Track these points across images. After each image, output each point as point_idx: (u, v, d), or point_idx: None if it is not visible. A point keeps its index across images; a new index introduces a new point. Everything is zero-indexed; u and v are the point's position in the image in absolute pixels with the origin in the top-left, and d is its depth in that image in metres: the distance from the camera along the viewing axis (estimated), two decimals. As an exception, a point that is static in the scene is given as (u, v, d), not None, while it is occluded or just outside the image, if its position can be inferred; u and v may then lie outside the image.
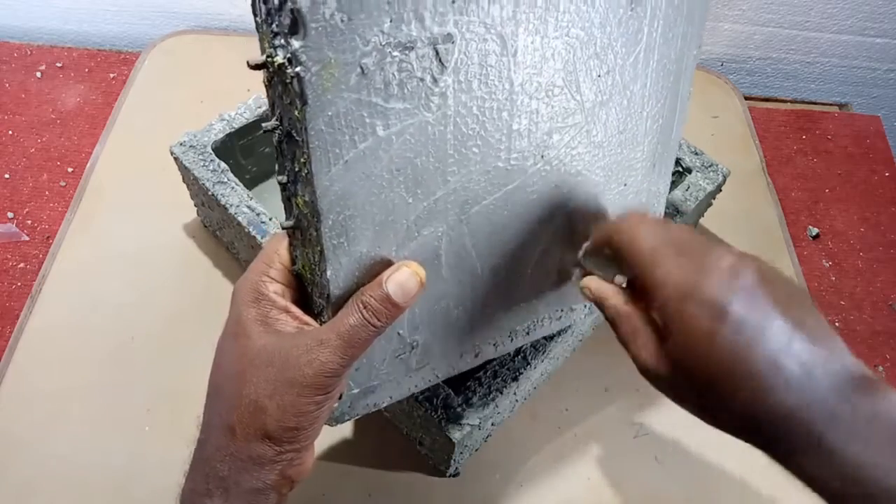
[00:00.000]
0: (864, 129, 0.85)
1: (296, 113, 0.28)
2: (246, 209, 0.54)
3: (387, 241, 0.33)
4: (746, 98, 0.85)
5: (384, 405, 0.41)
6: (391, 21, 0.28)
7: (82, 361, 0.57)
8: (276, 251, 0.35)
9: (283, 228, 0.34)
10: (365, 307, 0.32)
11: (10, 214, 0.67)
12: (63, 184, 0.69)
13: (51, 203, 0.68)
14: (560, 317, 0.48)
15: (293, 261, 0.35)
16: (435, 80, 0.30)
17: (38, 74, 0.78)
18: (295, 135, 0.29)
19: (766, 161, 0.78)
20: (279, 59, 0.27)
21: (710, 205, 0.67)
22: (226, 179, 0.56)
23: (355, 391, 0.39)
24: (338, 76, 0.27)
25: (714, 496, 0.55)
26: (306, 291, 0.35)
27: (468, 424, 0.47)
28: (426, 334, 0.39)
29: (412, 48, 0.29)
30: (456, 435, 0.46)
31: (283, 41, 0.26)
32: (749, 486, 0.55)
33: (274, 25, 0.26)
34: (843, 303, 0.69)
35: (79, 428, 0.54)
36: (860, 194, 0.79)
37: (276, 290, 0.34)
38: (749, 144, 0.80)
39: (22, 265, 0.63)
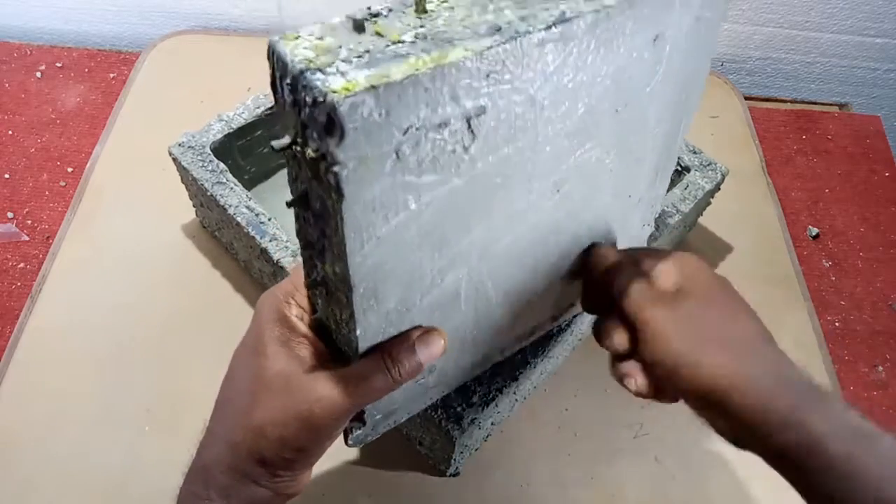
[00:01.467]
0: (864, 129, 0.85)
1: (329, 203, 0.27)
2: (245, 210, 0.54)
3: (412, 294, 0.33)
4: (746, 98, 0.85)
5: (402, 420, 0.42)
6: (426, 105, 0.26)
7: (82, 361, 0.57)
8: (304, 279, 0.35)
9: (307, 286, 0.34)
10: (391, 362, 0.33)
11: (10, 214, 0.67)
12: (63, 184, 0.69)
13: (51, 203, 0.68)
14: (563, 314, 0.48)
15: (314, 309, 0.35)
16: (465, 149, 0.29)
17: (38, 74, 0.78)
18: (325, 216, 0.28)
19: (766, 161, 0.78)
20: (311, 152, 0.25)
21: (709, 204, 0.67)
22: (224, 180, 0.56)
23: (378, 417, 0.39)
24: (374, 167, 0.26)
25: (714, 496, 0.55)
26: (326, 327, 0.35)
27: (468, 424, 0.47)
28: (444, 360, 0.39)
29: (446, 126, 0.28)
30: (456, 434, 0.46)
31: (315, 136, 0.25)
32: (749, 487, 0.55)
33: (303, 116, 0.25)
34: (843, 303, 0.69)
35: (79, 428, 0.54)
36: (860, 194, 0.79)
37: (297, 315, 0.35)
38: (749, 144, 0.80)
39: (22, 265, 0.63)
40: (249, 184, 0.66)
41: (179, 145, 0.58)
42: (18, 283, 0.62)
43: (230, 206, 0.55)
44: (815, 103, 0.90)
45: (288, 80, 0.25)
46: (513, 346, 0.46)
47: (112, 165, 0.69)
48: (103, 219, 0.65)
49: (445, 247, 0.33)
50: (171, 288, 0.62)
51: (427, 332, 0.35)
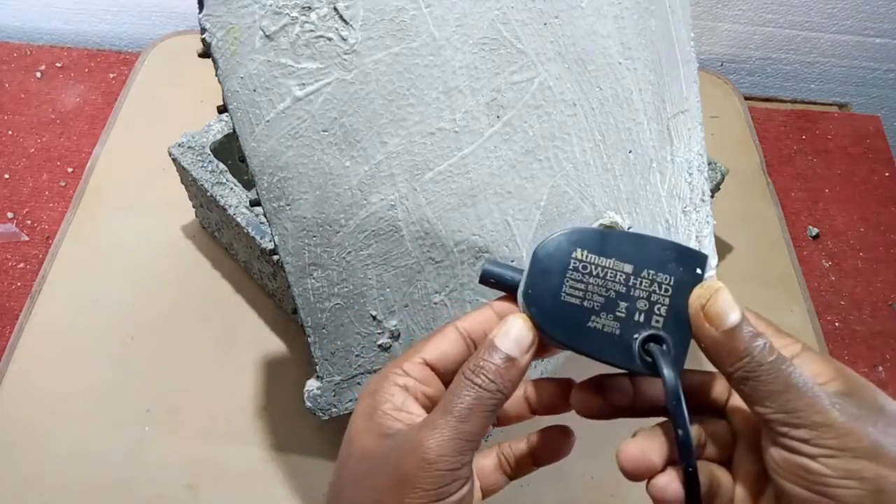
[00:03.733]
0: (864, 129, 0.85)
1: (219, 80, 0.31)
2: (245, 210, 0.54)
3: (331, 206, 0.34)
4: (746, 98, 0.85)
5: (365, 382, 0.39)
6: None
7: (82, 361, 0.57)
8: (426, 343, 0.29)
9: (250, 205, 0.37)
10: (475, 372, 0.27)
11: (10, 214, 0.67)
12: (63, 184, 0.69)
13: (51, 203, 0.68)
14: None
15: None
16: (343, 38, 0.32)
17: (38, 74, 0.78)
18: (223, 102, 0.32)
19: (766, 161, 0.78)
20: (202, 36, 0.30)
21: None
22: (224, 180, 0.56)
23: (337, 378, 0.38)
24: (242, 39, 0.30)
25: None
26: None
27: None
28: (407, 321, 0.37)
29: (310, 8, 0.31)
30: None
31: (199, 19, 0.30)
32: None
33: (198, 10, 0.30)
34: (843, 303, 0.69)
35: (79, 428, 0.54)
36: (860, 194, 0.79)
37: (403, 384, 0.28)
38: (749, 144, 0.80)
39: (22, 265, 0.63)
40: (249, 184, 0.65)
41: (179, 145, 0.58)
42: (18, 283, 0.62)
43: (230, 206, 0.55)
44: (814, 103, 0.90)
45: None
46: None
47: (112, 165, 0.69)
48: (103, 219, 0.65)
49: (356, 153, 0.33)
50: (171, 288, 0.62)
51: (504, 321, 0.28)
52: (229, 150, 0.61)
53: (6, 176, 0.70)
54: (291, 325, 0.60)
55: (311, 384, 0.38)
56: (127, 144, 0.71)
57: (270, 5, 0.30)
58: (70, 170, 0.70)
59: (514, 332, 0.28)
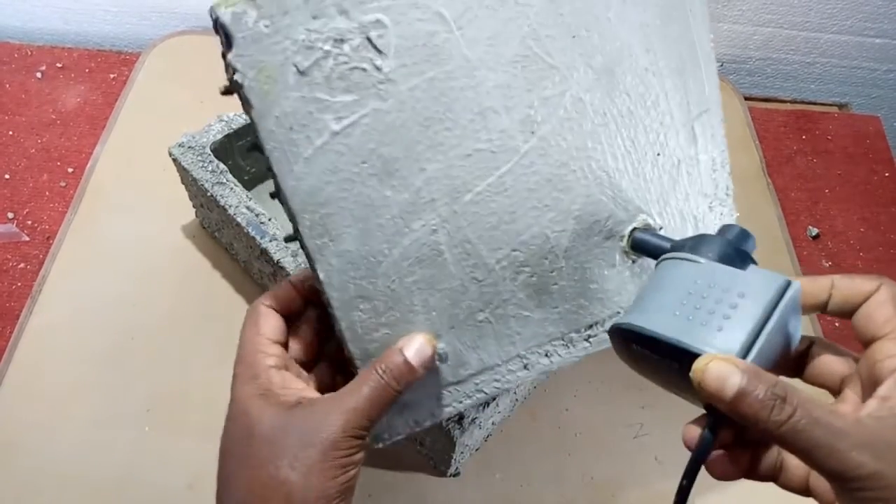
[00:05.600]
0: (863, 130, 0.85)
1: (251, 122, 0.30)
2: (245, 210, 0.55)
3: (374, 238, 0.34)
4: (746, 98, 0.85)
5: (428, 424, 0.40)
6: (314, 18, 0.29)
7: (82, 361, 0.57)
8: (262, 324, 0.35)
9: (284, 239, 0.36)
10: (383, 370, 0.33)
11: (10, 214, 0.67)
12: (63, 184, 0.69)
13: (51, 203, 0.68)
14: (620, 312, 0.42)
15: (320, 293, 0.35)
16: (377, 68, 0.31)
17: (39, 75, 0.78)
18: (259, 145, 0.31)
19: (766, 161, 0.78)
20: (228, 75, 0.29)
21: (710, 205, 0.67)
22: (225, 180, 0.56)
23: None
24: (275, 77, 0.29)
25: (714, 496, 0.55)
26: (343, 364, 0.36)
27: (468, 423, 0.47)
28: (454, 342, 0.38)
29: (343, 40, 0.30)
30: (456, 434, 0.46)
31: (227, 59, 0.29)
32: (749, 486, 0.55)
33: (223, 47, 0.29)
34: (843, 303, 0.69)
35: (79, 428, 0.54)
36: (860, 194, 0.79)
37: (273, 363, 0.34)
38: (749, 144, 0.80)
39: (22, 265, 0.63)
40: (249, 184, 0.66)
41: (179, 146, 0.58)
42: (18, 283, 0.62)
43: (230, 206, 0.55)
44: (814, 103, 0.90)
45: (212, 23, 0.29)
46: (561, 352, 0.41)
47: (112, 166, 0.69)
48: (103, 219, 0.65)
49: (396, 182, 0.33)
50: (171, 288, 0.62)
51: (409, 337, 0.35)
52: (229, 150, 0.61)
53: (6, 176, 0.70)
54: (291, 325, 0.60)
55: None
56: (127, 144, 0.71)
57: (302, 40, 0.29)
58: (70, 170, 0.70)
59: (415, 344, 0.34)
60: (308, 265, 0.35)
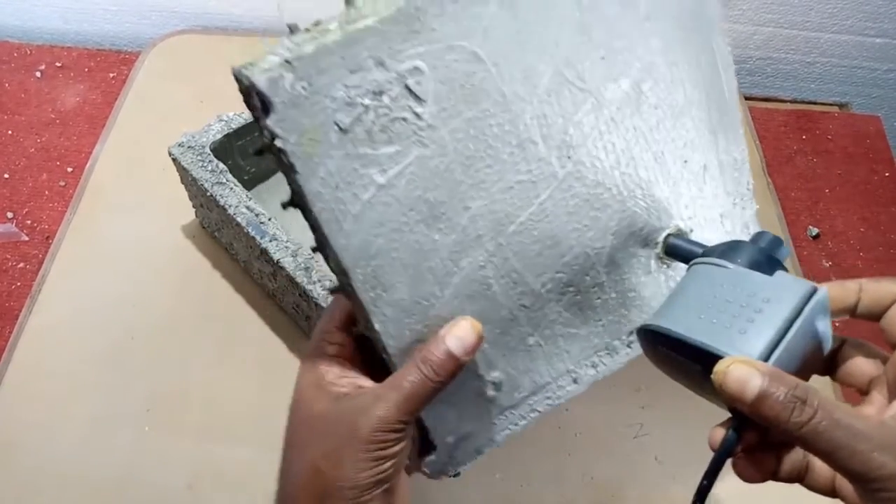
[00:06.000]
0: (864, 129, 0.85)
1: (294, 186, 0.29)
2: (245, 210, 0.54)
3: (426, 282, 0.33)
4: (746, 98, 0.85)
5: (487, 450, 0.40)
6: (352, 73, 0.29)
7: (82, 361, 0.57)
8: (335, 310, 0.36)
9: (329, 291, 0.36)
10: (424, 362, 0.32)
11: (9, 214, 0.67)
12: (63, 184, 0.69)
13: (50, 203, 0.68)
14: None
15: (356, 322, 0.35)
16: (418, 116, 0.30)
17: (38, 74, 0.78)
18: (303, 204, 0.30)
19: (766, 161, 0.79)
20: (265, 139, 0.28)
21: (710, 205, 0.67)
22: (224, 180, 0.56)
23: (449, 440, 0.38)
24: (318, 138, 0.29)
25: (714, 496, 0.55)
26: (370, 349, 0.35)
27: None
28: (507, 369, 0.38)
29: (382, 92, 0.29)
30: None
31: (263, 122, 0.28)
32: (749, 486, 0.55)
33: (255, 112, 0.28)
34: (842, 303, 0.69)
35: (79, 428, 0.54)
36: (860, 194, 0.79)
37: (334, 352, 0.35)
38: (749, 144, 0.80)
39: (22, 265, 0.63)
40: (249, 184, 0.66)
41: (179, 145, 0.58)
42: (18, 283, 0.62)
43: (230, 206, 0.55)
44: (815, 103, 0.90)
45: (239, 88, 0.28)
46: (606, 361, 0.42)
47: (112, 165, 0.69)
48: (103, 219, 0.65)
49: (442, 224, 0.33)
50: (171, 288, 0.62)
51: (455, 321, 0.34)
52: (229, 150, 0.61)
53: (6, 176, 0.70)
54: (291, 325, 0.60)
55: (430, 455, 0.38)
56: (127, 144, 0.71)
57: (342, 97, 0.29)
58: (70, 170, 0.70)
59: (460, 331, 0.33)
60: (359, 315, 0.34)
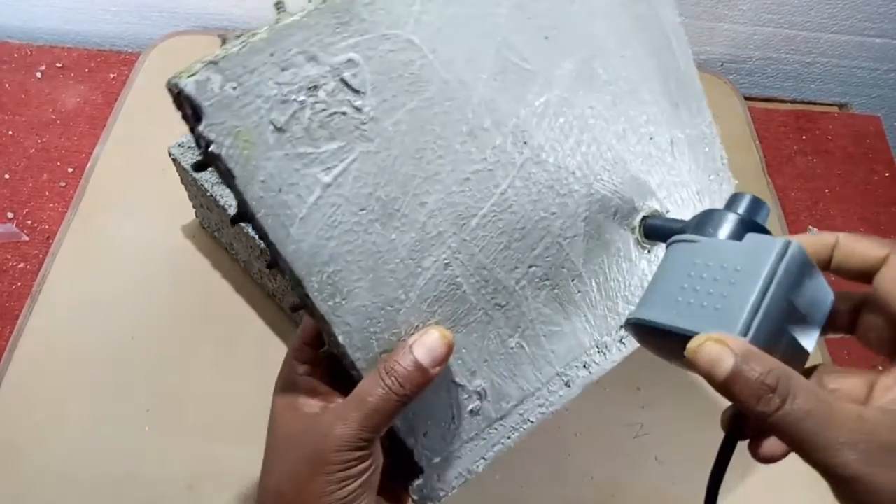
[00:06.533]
0: (864, 129, 0.85)
1: (235, 191, 0.28)
2: (245, 209, 0.54)
3: (388, 286, 0.32)
4: (746, 98, 0.85)
5: (480, 469, 0.38)
6: (283, 70, 0.28)
7: (82, 361, 0.57)
8: (304, 327, 0.35)
9: (290, 309, 0.34)
10: (388, 374, 0.30)
11: (10, 214, 0.67)
12: (63, 184, 0.69)
13: (51, 203, 0.68)
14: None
15: (323, 343, 0.34)
16: (357, 109, 0.30)
17: (39, 75, 0.78)
18: (248, 212, 0.29)
19: (766, 161, 0.78)
20: (202, 148, 0.27)
21: (710, 205, 0.67)
22: (225, 179, 0.56)
23: (436, 460, 0.36)
24: (253, 140, 0.27)
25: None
26: (341, 367, 0.34)
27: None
28: (490, 376, 0.36)
29: (317, 87, 0.28)
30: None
31: (196, 130, 0.27)
32: (749, 486, 0.55)
33: (188, 121, 0.27)
34: (843, 303, 0.69)
35: (79, 428, 0.54)
36: (860, 194, 0.79)
37: (304, 371, 0.34)
38: (749, 144, 0.80)
39: (22, 265, 0.63)
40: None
41: (179, 145, 0.58)
42: (18, 283, 0.62)
43: (230, 206, 0.55)
44: (815, 103, 0.90)
45: (174, 102, 0.27)
46: (599, 360, 0.40)
47: (112, 165, 0.69)
48: (103, 219, 0.65)
49: (397, 221, 0.31)
50: (171, 288, 0.62)
51: (424, 331, 0.32)
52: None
53: (6, 176, 0.70)
54: (291, 325, 0.60)
55: (417, 479, 0.36)
56: (127, 144, 0.71)
57: (275, 95, 0.28)
58: (70, 170, 0.70)
59: (429, 341, 0.31)
60: (323, 331, 0.32)
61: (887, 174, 0.81)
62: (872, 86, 0.96)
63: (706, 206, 0.42)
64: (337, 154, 0.30)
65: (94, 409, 0.55)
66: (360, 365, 0.32)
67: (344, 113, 0.29)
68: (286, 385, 0.33)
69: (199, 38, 0.82)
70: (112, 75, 0.79)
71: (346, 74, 0.29)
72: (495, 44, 0.33)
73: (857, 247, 0.30)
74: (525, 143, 0.34)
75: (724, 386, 0.25)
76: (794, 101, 0.90)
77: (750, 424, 0.30)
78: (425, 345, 0.31)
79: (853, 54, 0.92)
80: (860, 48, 0.91)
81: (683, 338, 0.28)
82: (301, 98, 0.28)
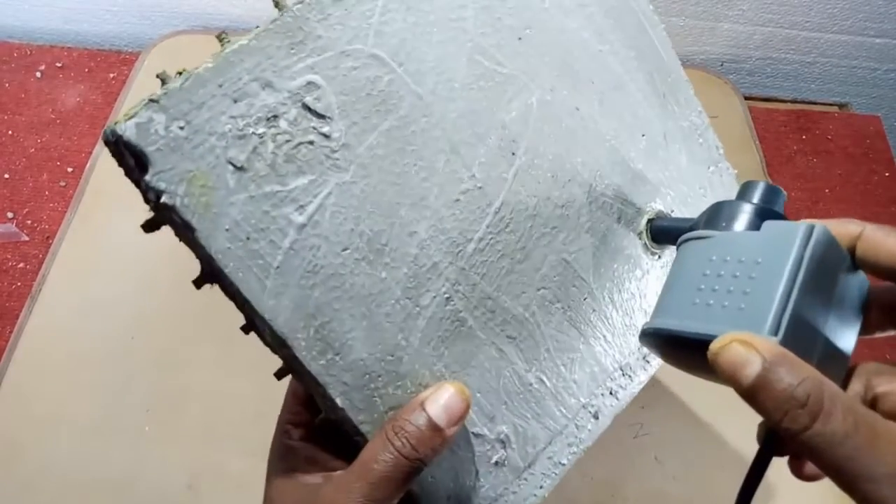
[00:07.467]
0: (864, 129, 0.85)
1: (196, 247, 0.25)
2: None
3: (386, 332, 0.28)
4: (746, 98, 0.85)
5: None
6: (235, 102, 0.24)
7: (82, 361, 0.57)
8: (296, 388, 0.32)
9: (275, 376, 0.30)
10: (397, 434, 0.26)
11: (10, 214, 0.67)
12: (63, 184, 0.69)
13: (51, 203, 0.68)
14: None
15: (318, 411, 0.30)
16: (325, 136, 0.26)
17: (38, 74, 0.78)
18: (213, 270, 0.25)
19: (766, 161, 0.78)
20: (151, 202, 0.24)
21: (710, 205, 0.67)
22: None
23: None
24: (211, 184, 0.24)
25: (714, 496, 0.55)
26: (341, 430, 0.30)
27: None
28: (511, 419, 0.33)
29: (277, 116, 0.25)
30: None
31: (144, 183, 0.23)
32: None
33: (132, 174, 0.24)
34: (842, 303, 0.69)
35: (79, 428, 0.54)
36: (860, 194, 0.79)
37: (300, 436, 0.30)
38: (749, 144, 0.80)
39: (22, 265, 0.63)
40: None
41: (179, 145, 0.57)
42: (18, 283, 0.62)
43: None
44: (815, 103, 0.90)
45: (112, 152, 0.24)
46: (626, 384, 0.37)
47: (112, 165, 0.68)
48: (103, 219, 0.65)
49: (386, 257, 0.28)
50: (171, 288, 0.62)
51: (437, 386, 0.28)
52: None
53: (6, 176, 0.70)
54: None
55: None
56: (127, 144, 0.71)
57: (229, 131, 0.24)
58: (70, 170, 0.70)
59: (443, 397, 0.27)
60: (316, 397, 0.28)
61: (887, 174, 0.81)
62: (872, 86, 0.96)
63: (711, 199, 0.39)
64: (309, 189, 0.26)
65: (94, 409, 0.55)
66: (364, 429, 0.28)
67: (311, 142, 0.26)
68: (282, 453, 0.30)
69: (199, 38, 0.82)
70: (112, 75, 0.79)
71: (308, 99, 0.26)
72: (466, 50, 0.30)
73: (889, 242, 0.25)
74: (513, 153, 0.32)
75: (748, 394, 0.22)
76: (794, 101, 0.90)
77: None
78: (439, 402, 0.27)
79: (853, 54, 0.92)
80: (860, 48, 0.91)
81: (705, 344, 0.24)
82: (260, 130, 0.25)
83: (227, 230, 0.24)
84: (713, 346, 0.23)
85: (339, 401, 0.27)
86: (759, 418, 0.24)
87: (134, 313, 0.60)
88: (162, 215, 0.24)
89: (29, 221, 0.67)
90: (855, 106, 0.91)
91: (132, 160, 0.23)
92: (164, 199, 0.23)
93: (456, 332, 0.30)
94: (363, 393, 0.28)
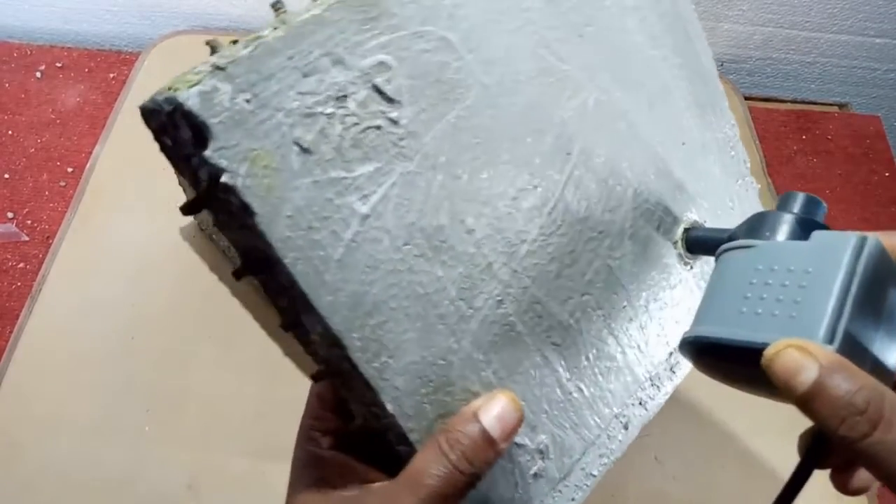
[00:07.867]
0: (864, 129, 0.85)
1: (252, 233, 0.22)
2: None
3: (437, 334, 0.26)
4: (746, 98, 0.85)
5: None
6: (305, 76, 0.23)
7: (82, 361, 0.57)
8: (321, 391, 0.30)
9: (312, 378, 0.27)
10: (452, 447, 0.24)
11: (9, 214, 0.67)
12: (63, 184, 0.69)
13: (51, 203, 0.68)
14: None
15: (352, 416, 0.28)
16: (394, 122, 0.25)
17: (38, 74, 0.78)
18: (267, 259, 0.23)
19: (766, 161, 0.78)
20: (203, 184, 0.22)
21: (710, 205, 0.67)
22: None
23: None
24: (275, 165, 0.22)
25: (714, 496, 0.55)
26: (366, 438, 0.28)
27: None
28: (551, 429, 0.31)
29: (346, 96, 0.24)
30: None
31: (197, 160, 0.21)
32: (749, 486, 0.55)
33: (185, 149, 0.22)
34: (842, 303, 0.69)
35: (79, 428, 0.54)
36: (860, 194, 0.79)
37: (330, 444, 0.28)
38: (749, 144, 0.80)
39: (22, 265, 0.63)
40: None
41: (179, 145, 0.57)
42: (18, 283, 0.62)
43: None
44: (815, 103, 0.90)
45: (155, 123, 0.21)
46: (655, 394, 0.36)
47: (112, 165, 0.69)
48: (103, 219, 0.65)
49: (444, 254, 0.27)
50: (171, 288, 0.62)
51: (490, 396, 0.27)
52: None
53: (6, 176, 0.70)
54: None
55: None
56: (127, 144, 0.71)
57: (297, 108, 0.22)
58: (70, 170, 0.70)
59: (497, 408, 0.26)
60: (356, 402, 0.26)
61: (887, 174, 0.81)
62: (872, 86, 0.96)
63: (738, 212, 0.39)
64: (374, 178, 0.24)
65: (94, 409, 0.55)
66: (413, 437, 0.26)
67: (378, 127, 0.24)
68: (308, 462, 0.28)
69: (200, 38, 0.82)
70: (112, 75, 0.79)
71: (379, 80, 0.24)
72: (532, 42, 0.29)
73: None
74: (568, 153, 0.30)
75: (803, 401, 0.22)
76: (794, 101, 0.90)
77: (837, 450, 0.26)
78: (492, 412, 0.26)
79: (853, 54, 0.92)
80: (860, 48, 0.91)
81: (751, 353, 0.24)
82: (329, 110, 0.23)
83: (288, 217, 0.22)
84: (767, 352, 0.23)
85: (389, 407, 0.25)
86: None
87: (134, 313, 0.60)
88: (209, 196, 0.22)
89: (29, 221, 0.67)
90: (855, 106, 0.91)
91: (188, 133, 0.21)
92: (224, 178, 0.21)
93: (505, 337, 0.29)
94: (413, 399, 0.26)
